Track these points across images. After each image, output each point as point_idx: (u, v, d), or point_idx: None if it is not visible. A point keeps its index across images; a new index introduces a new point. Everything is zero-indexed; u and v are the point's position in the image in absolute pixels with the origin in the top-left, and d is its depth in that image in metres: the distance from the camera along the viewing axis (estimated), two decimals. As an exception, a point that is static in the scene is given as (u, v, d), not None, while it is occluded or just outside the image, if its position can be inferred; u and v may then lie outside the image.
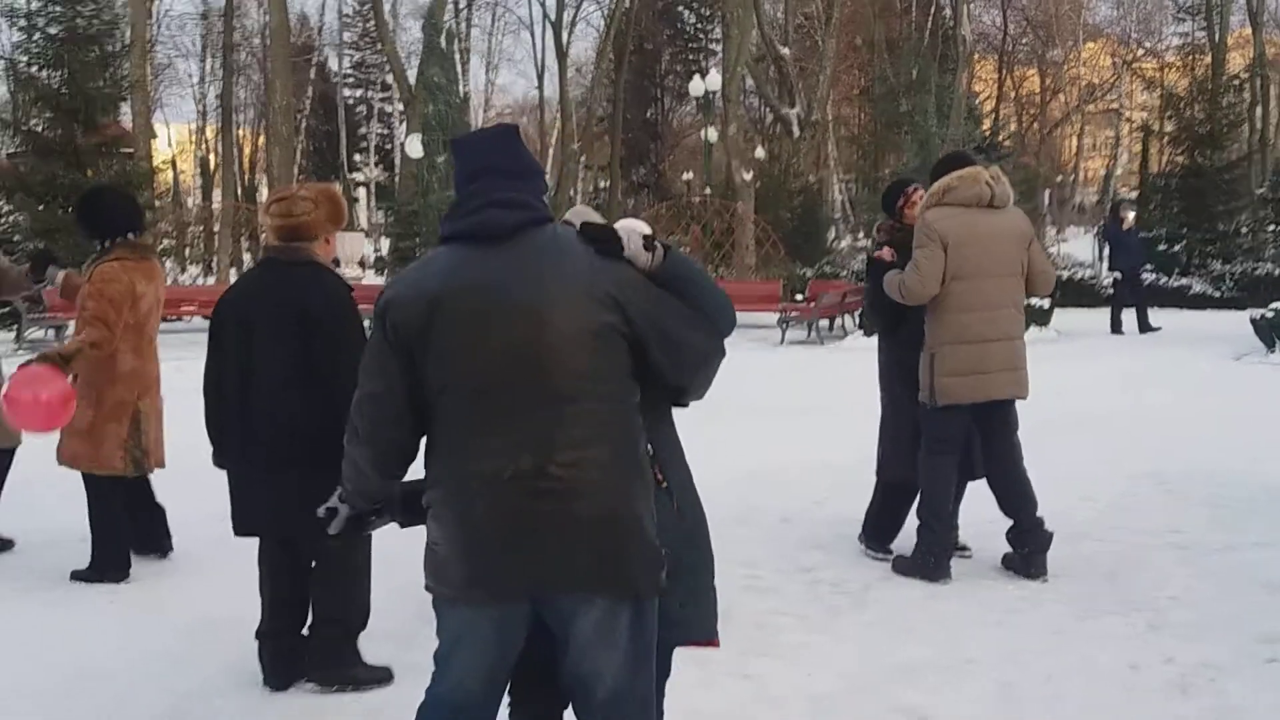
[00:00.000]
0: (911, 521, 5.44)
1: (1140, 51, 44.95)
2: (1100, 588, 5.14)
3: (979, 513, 5.53)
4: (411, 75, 29.79)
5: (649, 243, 2.62)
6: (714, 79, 25.82)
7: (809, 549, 5.80)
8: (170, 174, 42.21)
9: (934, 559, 5.24)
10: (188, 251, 29.41)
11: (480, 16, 48.28)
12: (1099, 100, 48.29)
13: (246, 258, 32.34)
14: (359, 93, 54.92)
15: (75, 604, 5.04)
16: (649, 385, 2.64)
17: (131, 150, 22.03)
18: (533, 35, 57.29)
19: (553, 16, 40.70)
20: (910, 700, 3.93)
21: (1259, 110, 36.01)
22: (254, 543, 4.17)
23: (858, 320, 17.52)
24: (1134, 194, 31.09)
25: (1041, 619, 4.75)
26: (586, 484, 2.51)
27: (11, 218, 19.37)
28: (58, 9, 18.97)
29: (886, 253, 5.54)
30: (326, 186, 4.42)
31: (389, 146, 51.37)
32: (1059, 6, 45.95)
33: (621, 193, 44.80)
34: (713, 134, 26.36)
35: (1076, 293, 21.37)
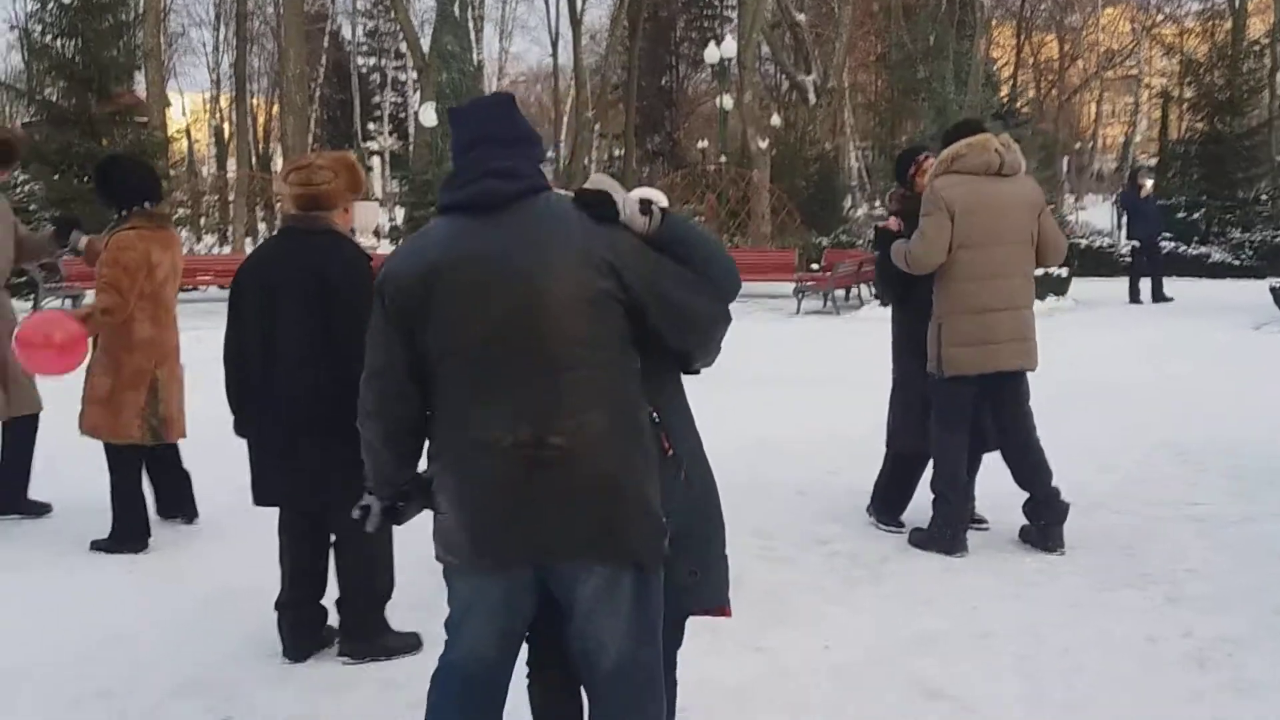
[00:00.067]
0: (924, 493, 5.42)
1: (1160, 17, 44.37)
2: (1118, 560, 5.13)
3: (996, 485, 5.52)
4: (425, 43, 29.62)
5: (646, 207, 2.60)
6: (729, 46, 25.63)
7: (825, 520, 5.80)
8: (185, 143, 42.22)
9: (951, 531, 5.23)
10: (203, 221, 29.43)
11: (494, -17, 48.02)
12: (1118, 66, 47.73)
13: (261, 227, 32.40)
14: (373, 61, 54.68)
15: (96, 572, 5.08)
16: (653, 352, 2.63)
17: (146, 119, 22.04)
18: (546, 2, 56.81)
19: (567, -17, 40.40)
20: (927, 672, 3.93)
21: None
22: (274, 513, 4.18)
23: (873, 290, 17.46)
24: (1153, 161, 30.82)
25: (1059, 591, 4.75)
26: (585, 452, 2.50)
27: (27, 187, 19.42)
28: (71, -23, 18.95)
29: (893, 222, 5.53)
30: (345, 155, 4.38)
31: (403, 115, 51.17)
32: (1078, -30, 45.40)
33: (636, 161, 44.62)
34: (728, 101, 26.21)
35: (1095, 261, 21.27)
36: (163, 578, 5.01)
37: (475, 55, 30.12)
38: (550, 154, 47.01)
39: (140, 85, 23.92)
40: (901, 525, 5.57)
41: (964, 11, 29.35)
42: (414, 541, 4.21)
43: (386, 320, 2.62)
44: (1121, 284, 17.71)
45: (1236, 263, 21.38)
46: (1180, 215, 22.17)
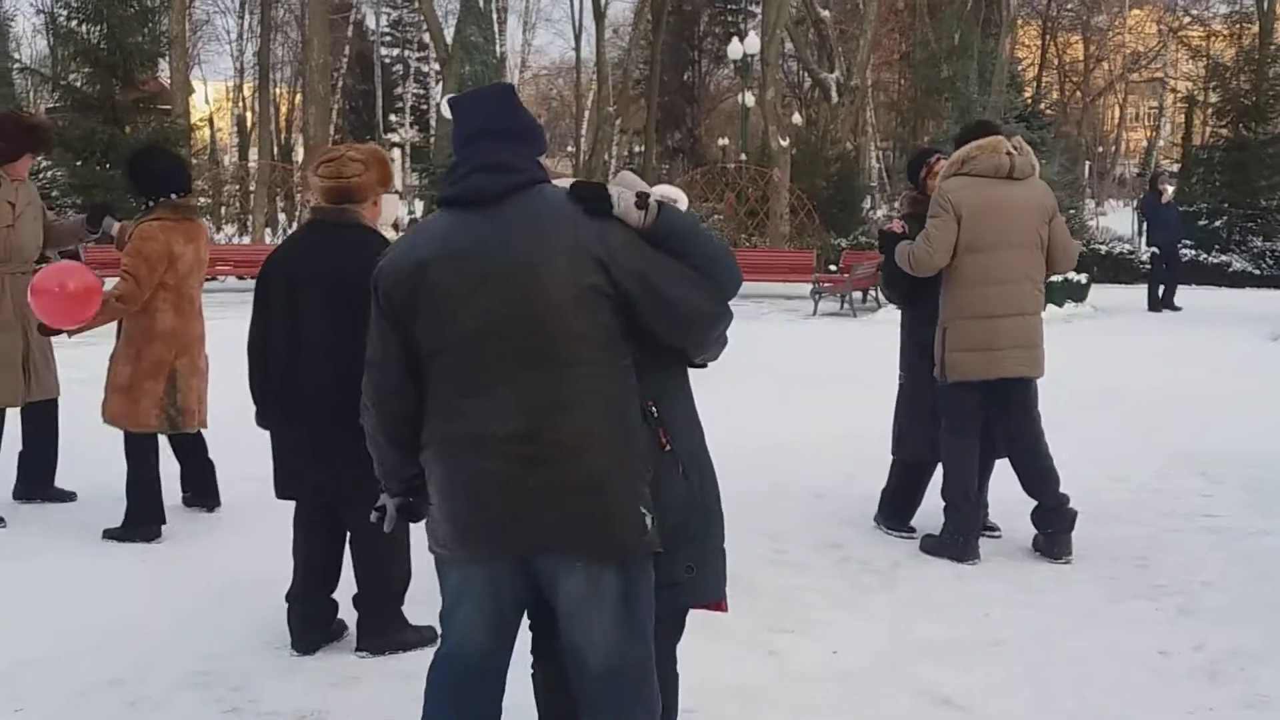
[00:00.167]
0: (935, 499, 5.40)
1: (1187, 19, 44.10)
2: (1131, 570, 5.10)
3: (1008, 492, 5.48)
4: (449, 34, 29.70)
5: (643, 200, 2.58)
6: (752, 42, 25.59)
7: (838, 524, 5.78)
8: (207, 132, 42.35)
9: (962, 539, 5.20)
10: (223, 211, 29.54)
11: (519, -25, 48.01)
12: (1143, 69, 47.47)
13: (281, 217, 32.44)
14: (395, 52, 54.73)
15: (109, 560, 5.11)
16: (652, 347, 2.61)
17: (169, 107, 22.14)
18: (571, -5, 56.85)
19: (591, -24, 40.37)
20: (937, 679, 3.92)
21: (1307, 82, 35.28)
22: (289, 505, 4.19)
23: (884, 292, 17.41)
24: (1176, 166, 30.62)
25: (1071, 601, 4.73)
26: (573, 447, 2.50)
27: (50, 173, 19.53)
28: (98, -37, 19.02)
29: (896, 225, 5.51)
30: (375, 148, 4.33)
31: (425, 107, 51.25)
32: (1105, -29, 45.15)
33: (656, 157, 44.55)
34: (750, 98, 26.16)
35: (1114, 268, 21.15)
36: (175, 567, 5.04)
37: (498, 47, 30.18)
38: (570, 148, 47.00)
39: (164, 72, 24.03)
40: (912, 530, 5.55)
41: (990, 10, 29.24)
42: (424, 536, 4.23)
43: (381, 314, 2.64)
44: (1141, 291, 17.62)
45: (1257, 272, 21.23)
46: (1202, 222, 22.02)
